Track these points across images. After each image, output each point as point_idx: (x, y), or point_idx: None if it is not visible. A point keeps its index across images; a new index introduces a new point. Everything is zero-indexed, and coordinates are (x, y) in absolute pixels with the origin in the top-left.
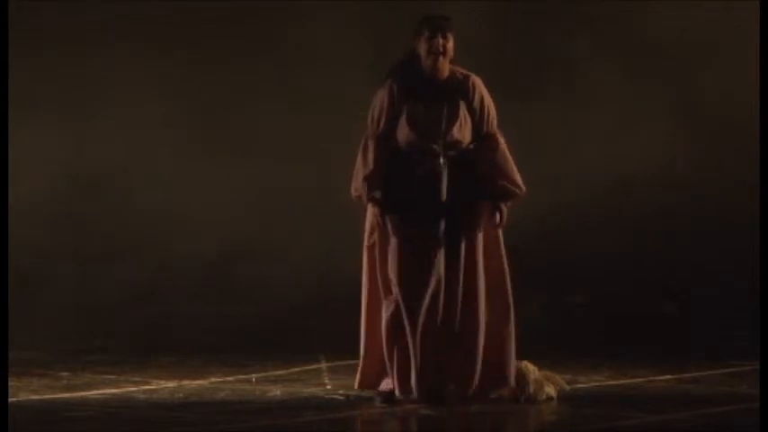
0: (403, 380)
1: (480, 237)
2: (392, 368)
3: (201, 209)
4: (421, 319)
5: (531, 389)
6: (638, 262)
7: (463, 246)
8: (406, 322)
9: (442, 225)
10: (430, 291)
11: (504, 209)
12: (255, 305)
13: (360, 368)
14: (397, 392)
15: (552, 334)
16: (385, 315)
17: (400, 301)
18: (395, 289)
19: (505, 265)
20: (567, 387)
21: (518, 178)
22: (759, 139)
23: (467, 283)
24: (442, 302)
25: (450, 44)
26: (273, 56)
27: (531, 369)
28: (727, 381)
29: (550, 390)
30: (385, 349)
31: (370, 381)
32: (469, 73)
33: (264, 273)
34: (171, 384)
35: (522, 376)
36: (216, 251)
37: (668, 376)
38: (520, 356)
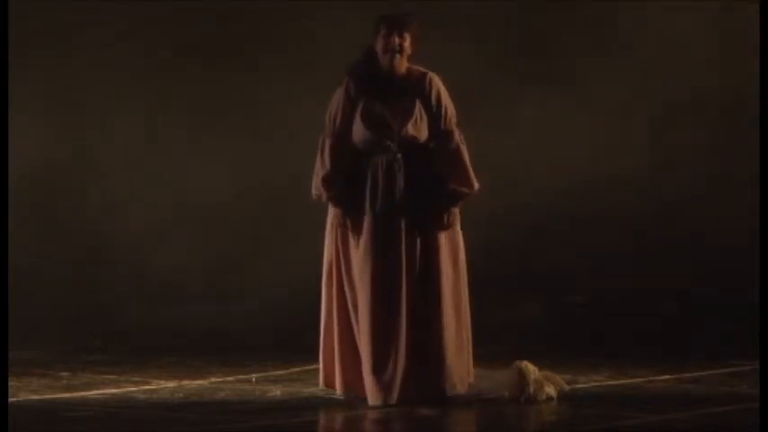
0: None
1: (441, 235)
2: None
3: (201, 208)
4: (380, 320)
5: (531, 389)
6: (638, 262)
7: (419, 245)
8: (362, 322)
9: (400, 223)
10: (389, 289)
11: (454, 210)
12: (256, 305)
13: (339, 369)
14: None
15: (552, 334)
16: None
17: (362, 301)
18: (356, 288)
19: (451, 270)
20: (567, 387)
21: (470, 176)
22: (759, 139)
23: (428, 283)
24: (403, 302)
25: (407, 43)
26: (273, 55)
27: (531, 369)
28: (727, 381)
29: (550, 390)
30: (366, 349)
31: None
32: (427, 71)
33: (265, 272)
34: (171, 384)
35: (522, 376)
36: (216, 250)
37: (668, 376)
38: (520, 357)
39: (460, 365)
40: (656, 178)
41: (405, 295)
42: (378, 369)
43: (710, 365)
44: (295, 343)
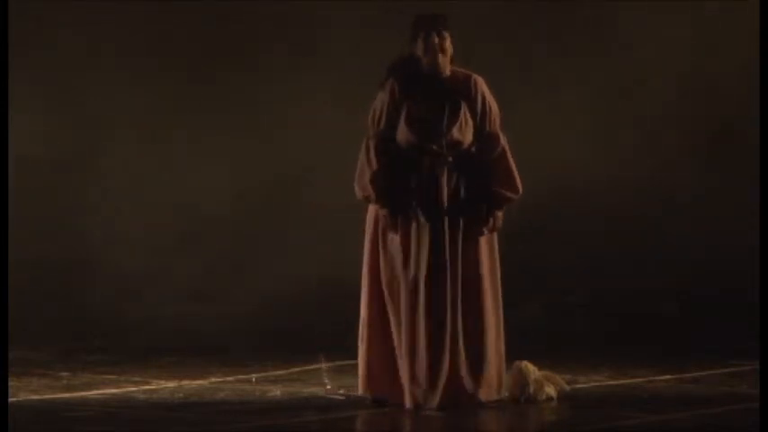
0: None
1: (481, 242)
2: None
3: (200, 208)
4: (422, 321)
5: (531, 389)
6: (639, 262)
7: (462, 251)
8: (405, 323)
9: (444, 229)
10: (432, 291)
11: (498, 214)
12: (256, 305)
13: (365, 372)
14: (408, 399)
15: (552, 334)
16: (393, 318)
17: (402, 301)
18: (398, 289)
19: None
20: (567, 387)
21: (515, 180)
22: (759, 139)
23: (471, 290)
24: (448, 309)
25: (448, 42)
26: (273, 55)
27: (531, 369)
28: (727, 381)
29: (550, 390)
30: (405, 352)
31: (377, 385)
32: (471, 73)
33: (265, 272)
34: (171, 384)
35: (522, 376)
36: (215, 250)
37: (668, 376)
38: (520, 357)
39: (497, 373)
40: (656, 178)
41: (449, 302)
42: (421, 374)
43: (710, 365)
44: (295, 343)
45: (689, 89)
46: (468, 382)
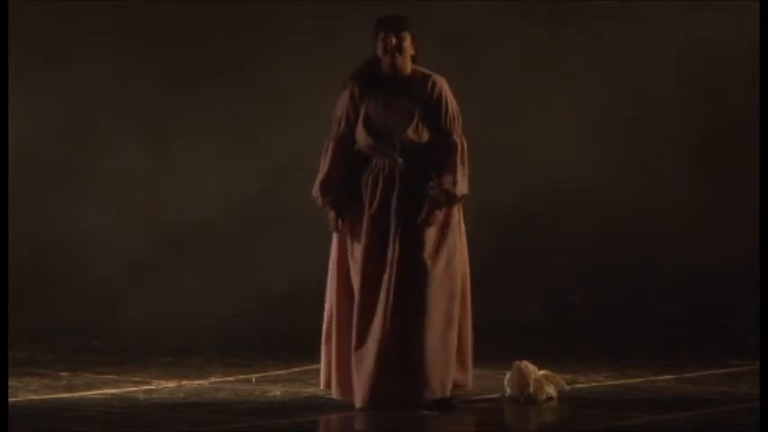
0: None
1: (427, 236)
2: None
3: (200, 208)
4: (365, 321)
5: (531, 389)
6: (639, 262)
7: (406, 246)
8: (354, 325)
9: (394, 226)
10: (375, 292)
11: (435, 212)
12: (255, 305)
13: (335, 373)
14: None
15: (552, 334)
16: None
17: (355, 303)
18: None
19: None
20: (567, 387)
21: (457, 180)
22: (759, 139)
23: (413, 284)
24: (383, 304)
25: (406, 43)
26: (273, 56)
27: (531, 369)
28: (727, 381)
29: (550, 390)
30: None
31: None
32: (431, 73)
33: (264, 272)
34: (171, 384)
35: (522, 376)
36: (215, 250)
37: (668, 376)
38: (520, 357)
39: (443, 370)
40: (655, 178)
41: (389, 297)
42: (358, 370)
43: (710, 365)
44: (295, 343)
45: (689, 89)
46: (408, 381)
